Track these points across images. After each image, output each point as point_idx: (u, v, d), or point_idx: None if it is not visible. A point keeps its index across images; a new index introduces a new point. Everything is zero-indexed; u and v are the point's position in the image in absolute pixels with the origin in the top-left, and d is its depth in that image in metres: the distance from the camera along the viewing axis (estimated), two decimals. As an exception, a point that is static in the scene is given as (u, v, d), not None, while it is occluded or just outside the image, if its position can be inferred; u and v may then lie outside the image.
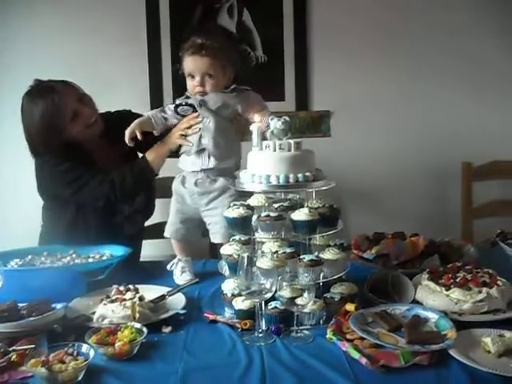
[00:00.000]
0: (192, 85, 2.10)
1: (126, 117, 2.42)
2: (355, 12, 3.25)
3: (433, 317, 1.67)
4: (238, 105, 2.11)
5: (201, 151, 2.11)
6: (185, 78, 2.13)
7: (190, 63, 2.08)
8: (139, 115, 2.20)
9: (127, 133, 2.12)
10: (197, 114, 2.10)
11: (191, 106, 2.10)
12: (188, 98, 2.13)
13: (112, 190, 2.26)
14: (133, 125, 2.13)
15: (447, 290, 1.76)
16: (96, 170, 2.31)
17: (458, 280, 1.81)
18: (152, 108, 2.48)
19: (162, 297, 1.83)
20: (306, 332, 1.66)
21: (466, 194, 3.08)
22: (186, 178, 2.16)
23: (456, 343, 1.50)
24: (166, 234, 2.24)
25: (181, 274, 2.11)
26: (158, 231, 2.78)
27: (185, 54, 2.09)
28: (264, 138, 1.86)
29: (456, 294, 1.74)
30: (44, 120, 2.23)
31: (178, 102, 2.14)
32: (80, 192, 2.29)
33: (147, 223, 2.72)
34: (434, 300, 1.75)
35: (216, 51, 2.07)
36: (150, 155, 2.27)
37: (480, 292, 1.73)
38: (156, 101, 3.10)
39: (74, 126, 2.29)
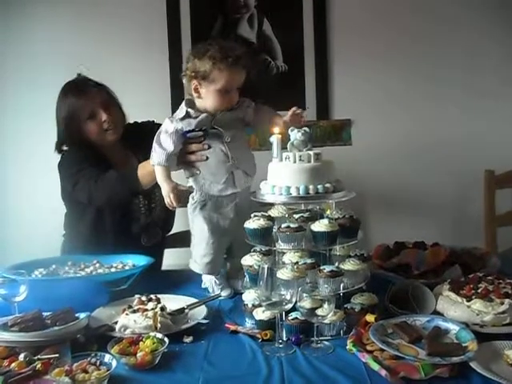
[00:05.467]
0: (223, 101, 1.95)
1: (150, 128, 2.45)
2: (376, 21, 3.24)
3: (454, 328, 1.66)
4: (246, 113, 2.04)
5: (231, 171, 2.01)
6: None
7: (228, 77, 1.90)
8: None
9: (174, 203, 1.96)
10: (202, 140, 1.98)
11: (203, 130, 1.97)
12: (189, 115, 1.95)
13: (94, 188, 2.25)
14: (167, 193, 1.95)
15: (468, 301, 1.75)
16: (101, 170, 2.31)
17: (479, 291, 1.79)
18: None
19: (182, 309, 1.84)
20: (326, 343, 1.66)
21: (488, 202, 3.04)
22: (222, 201, 2.05)
23: (477, 356, 1.49)
24: (202, 270, 2.07)
25: (221, 291, 2.05)
26: (180, 240, 2.81)
27: (218, 63, 1.88)
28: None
29: (477, 305, 1.72)
30: (68, 114, 2.35)
31: (188, 128, 1.96)
32: (76, 186, 2.31)
33: (170, 232, 2.74)
34: (455, 311, 1.74)
35: (250, 62, 1.96)
36: (144, 170, 2.16)
37: (502, 303, 1.71)
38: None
39: (88, 126, 2.36)
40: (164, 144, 1.97)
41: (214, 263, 2.05)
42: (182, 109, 1.98)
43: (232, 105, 1.98)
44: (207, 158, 2.00)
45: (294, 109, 2.02)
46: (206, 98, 1.96)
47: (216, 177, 2.01)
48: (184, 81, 2.00)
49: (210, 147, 2.00)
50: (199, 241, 2.07)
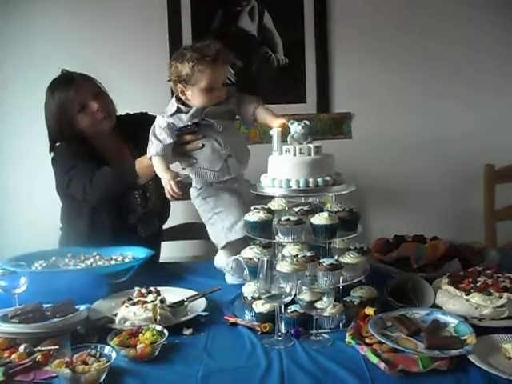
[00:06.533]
0: (209, 99, 2.00)
1: (142, 119, 2.48)
2: (377, 13, 3.25)
3: (452, 321, 1.66)
4: (233, 104, 2.09)
5: (225, 159, 2.06)
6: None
7: (210, 75, 1.96)
8: (155, 117, 2.20)
9: (176, 190, 1.97)
10: (196, 130, 2.04)
11: (195, 123, 2.04)
12: (180, 110, 2.03)
13: (89, 186, 2.26)
14: (168, 182, 1.97)
15: (467, 295, 1.75)
16: (92, 165, 2.32)
17: (478, 285, 1.80)
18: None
19: (181, 302, 1.84)
20: (325, 336, 1.66)
21: (488, 197, 3.05)
22: (225, 184, 2.11)
23: (476, 349, 1.49)
24: (243, 233, 1.99)
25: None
26: (179, 233, 2.83)
27: (197, 64, 1.94)
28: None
29: (476, 298, 1.73)
30: (58, 110, 2.36)
31: (180, 123, 2.04)
32: (70, 183, 2.33)
33: (168, 225, 2.75)
34: (453, 305, 1.75)
35: (229, 56, 2.01)
36: (141, 164, 2.20)
37: (501, 297, 1.71)
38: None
39: (81, 119, 2.37)
40: (160, 137, 2.03)
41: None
42: (173, 104, 2.05)
43: (220, 100, 2.04)
44: (203, 145, 2.05)
45: (281, 123, 1.95)
46: (193, 99, 2.02)
47: (213, 164, 2.06)
48: (172, 85, 2.07)
49: (203, 137, 2.06)
50: (227, 212, 2.08)
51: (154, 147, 2.03)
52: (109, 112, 2.42)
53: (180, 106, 2.03)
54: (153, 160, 2.04)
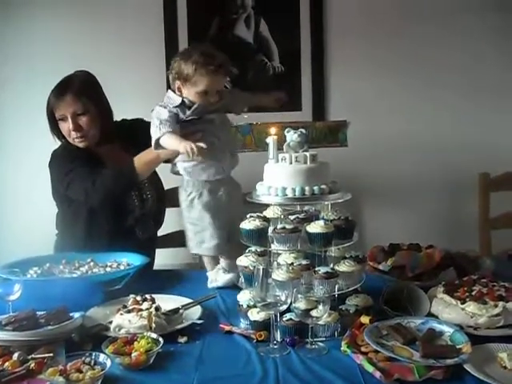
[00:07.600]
0: (205, 100, 2.03)
1: (138, 125, 2.49)
2: (373, 22, 3.26)
3: (448, 330, 1.66)
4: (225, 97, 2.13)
5: (223, 155, 2.10)
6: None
7: (209, 81, 2.00)
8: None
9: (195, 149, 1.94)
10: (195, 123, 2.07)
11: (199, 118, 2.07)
12: (185, 104, 2.03)
13: (91, 189, 2.27)
14: (189, 145, 1.93)
15: (462, 304, 1.75)
16: (91, 168, 2.33)
17: (473, 293, 1.80)
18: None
19: (176, 310, 1.84)
20: (320, 344, 1.66)
21: (483, 205, 3.05)
22: (215, 185, 2.11)
23: (471, 358, 1.49)
24: (212, 251, 2.14)
25: (225, 274, 2.11)
26: (172, 240, 2.82)
27: (200, 68, 1.99)
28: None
29: (471, 307, 1.73)
30: (47, 108, 2.40)
31: (182, 115, 2.04)
32: (69, 187, 2.34)
33: (162, 232, 2.74)
34: (449, 313, 1.75)
35: (230, 69, 2.07)
36: (140, 161, 2.24)
37: (496, 306, 1.72)
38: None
39: (61, 127, 2.40)
40: (165, 121, 2.01)
41: (223, 244, 2.11)
42: (174, 97, 2.04)
43: (211, 103, 2.06)
44: (203, 135, 2.04)
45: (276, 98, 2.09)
46: (187, 98, 2.04)
47: (211, 158, 2.05)
48: (170, 77, 2.09)
49: (203, 130, 2.07)
50: (203, 227, 2.12)
51: (162, 126, 2.00)
52: (84, 134, 2.38)
53: (184, 99, 2.03)
54: (165, 138, 2.00)
